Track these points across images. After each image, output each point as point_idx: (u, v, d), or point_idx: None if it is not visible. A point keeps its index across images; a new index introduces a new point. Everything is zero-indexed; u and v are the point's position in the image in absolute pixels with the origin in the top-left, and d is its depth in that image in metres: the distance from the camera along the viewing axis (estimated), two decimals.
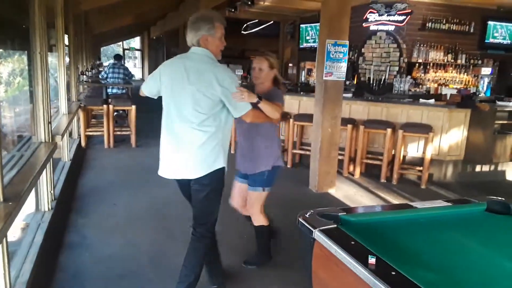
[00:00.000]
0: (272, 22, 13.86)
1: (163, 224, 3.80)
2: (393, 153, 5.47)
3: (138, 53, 28.94)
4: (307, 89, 8.30)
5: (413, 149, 5.59)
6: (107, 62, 20.43)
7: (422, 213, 2.06)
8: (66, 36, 6.67)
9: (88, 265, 3.01)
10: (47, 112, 3.61)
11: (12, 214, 1.99)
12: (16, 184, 2.44)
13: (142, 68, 27.00)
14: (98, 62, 17.33)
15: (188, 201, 2.69)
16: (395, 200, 4.72)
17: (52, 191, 3.85)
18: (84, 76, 8.32)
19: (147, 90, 2.57)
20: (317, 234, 1.69)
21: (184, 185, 2.58)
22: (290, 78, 11.04)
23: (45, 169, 3.56)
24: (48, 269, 2.93)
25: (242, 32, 16.47)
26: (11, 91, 4.62)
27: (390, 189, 5.12)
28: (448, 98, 5.52)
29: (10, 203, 2.07)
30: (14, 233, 3.76)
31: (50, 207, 3.67)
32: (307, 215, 1.88)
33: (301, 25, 10.24)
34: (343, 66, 4.66)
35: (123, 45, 28.44)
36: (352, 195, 4.85)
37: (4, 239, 1.99)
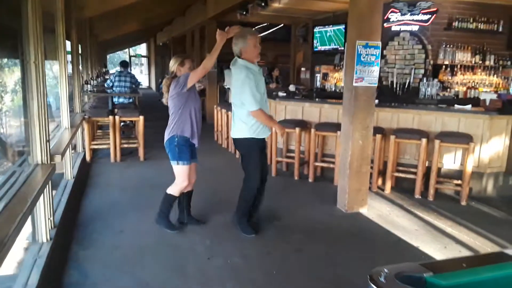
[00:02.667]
0: (281, 25, 13.43)
1: (175, 256, 3.31)
2: (427, 165, 4.95)
3: (144, 60, 28.67)
4: (324, 95, 7.83)
5: (449, 161, 5.07)
6: (113, 69, 20.09)
7: None
8: (69, 43, 6.27)
9: None
10: (45, 130, 3.15)
11: None
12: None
13: (149, 75, 26.70)
14: (104, 70, 16.99)
15: None
16: (435, 220, 4.19)
17: (51, 218, 3.38)
18: (89, 85, 7.88)
19: None
20: None
21: None
22: (303, 83, 10.55)
23: (42, 195, 3.12)
24: None
25: None
26: (17, 99, 4.28)
27: (427, 207, 4.59)
28: (487, 103, 4.99)
29: None
30: (14, 256, 3.35)
31: (48, 238, 3.20)
32: (382, 279, 1.37)
33: (315, 28, 9.76)
34: (375, 70, 4.16)
35: (129, 52, 28.17)
36: (386, 214, 4.33)
37: None
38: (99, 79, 11.59)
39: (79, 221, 3.97)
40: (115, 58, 30.61)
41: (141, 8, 9.72)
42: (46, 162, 3.16)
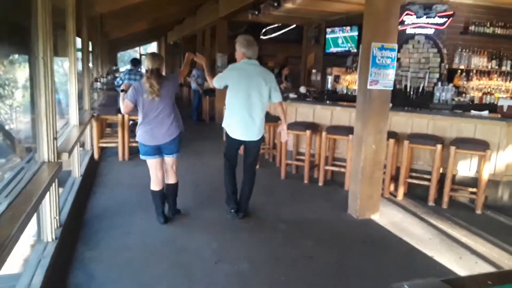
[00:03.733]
0: (293, 26, 13.33)
1: (181, 259, 3.23)
2: (441, 171, 4.82)
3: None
4: (335, 97, 7.73)
5: (464, 168, 4.93)
6: (123, 67, 20.13)
7: None
8: (79, 40, 6.24)
9: None
10: (52, 127, 3.09)
11: None
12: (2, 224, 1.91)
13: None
14: (114, 68, 17.02)
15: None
16: (450, 229, 4.06)
17: (57, 217, 3.32)
18: (98, 83, 7.83)
19: None
20: None
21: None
22: (314, 85, 10.44)
23: (48, 193, 3.06)
24: None
25: (261, 37, 15.99)
26: (28, 96, 4.24)
27: (441, 215, 4.46)
28: (505, 109, 4.84)
29: None
30: (20, 253, 3.29)
31: (53, 237, 3.14)
32: None
33: (327, 29, 9.65)
34: (391, 73, 4.04)
35: (140, 50, 28.21)
36: (399, 222, 4.21)
37: None
38: (109, 76, 11.58)
39: (86, 220, 3.91)
40: (125, 56, 30.69)
41: (152, 6, 9.69)
42: (53, 160, 3.10)
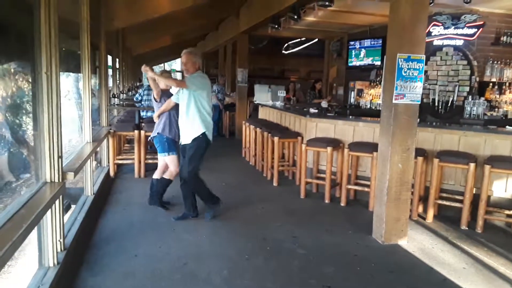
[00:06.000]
0: (315, 40, 13.14)
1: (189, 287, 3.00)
2: (474, 192, 4.44)
3: (179, 75, 29.01)
4: (358, 112, 7.41)
5: (500, 188, 4.54)
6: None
7: None
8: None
9: None
10: (57, 145, 2.93)
11: None
12: None
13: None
14: (138, 84, 17.15)
15: None
16: (486, 257, 3.67)
17: (61, 240, 3.15)
18: (116, 98, 7.79)
19: None
20: None
21: None
22: (336, 99, 10.15)
23: (50, 215, 2.89)
24: None
25: (283, 52, 15.86)
26: None
27: (475, 240, 4.07)
28: None
29: None
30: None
31: (55, 262, 2.95)
32: None
33: (350, 42, 9.40)
34: (418, 86, 3.75)
35: (164, 67, 28.59)
36: (429, 248, 3.85)
37: None
38: (130, 92, 11.60)
39: (93, 242, 3.73)
40: None
41: (174, 21, 9.67)
42: (56, 180, 2.94)
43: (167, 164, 4.75)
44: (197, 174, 4.28)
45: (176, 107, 4.49)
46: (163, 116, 4.67)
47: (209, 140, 4.25)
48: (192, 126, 4.18)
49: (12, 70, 4.69)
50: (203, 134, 4.18)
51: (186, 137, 4.24)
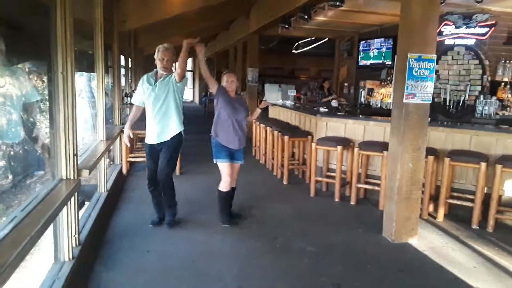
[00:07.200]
0: (326, 40, 13.12)
1: (199, 285, 3.04)
2: (485, 191, 4.42)
3: (189, 74, 29.16)
4: (368, 112, 7.42)
5: (511, 188, 4.51)
6: None
7: None
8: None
9: None
10: (72, 143, 3.01)
11: None
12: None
13: (193, 88, 27.08)
14: None
15: None
16: (497, 256, 3.67)
17: (76, 235, 3.22)
18: (129, 97, 7.90)
19: None
20: None
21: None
22: (346, 98, 10.13)
23: (66, 211, 2.97)
24: None
25: (293, 51, 15.86)
26: None
27: (486, 239, 4.07)
28: None
29: None
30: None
31: (71, 257, 3.03)
32: None
33: (360, 42, 9.38)
34: (429, 85, 3.75)
35: (175, 66, 28.78)
36: (439, 247, 3.85)
37: None
38: None
39: (107, 238, 3.80)
40: None
41: (185, 21, 9.76)
42: (72, 177, 3.02)
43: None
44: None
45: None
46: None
47: (183, 137, 4.15)
48: (170, 123, 3.99)
49: (27, 70, 4.78)
50: (181, 132, 4.08)
51: (160, 136, 4.00)
